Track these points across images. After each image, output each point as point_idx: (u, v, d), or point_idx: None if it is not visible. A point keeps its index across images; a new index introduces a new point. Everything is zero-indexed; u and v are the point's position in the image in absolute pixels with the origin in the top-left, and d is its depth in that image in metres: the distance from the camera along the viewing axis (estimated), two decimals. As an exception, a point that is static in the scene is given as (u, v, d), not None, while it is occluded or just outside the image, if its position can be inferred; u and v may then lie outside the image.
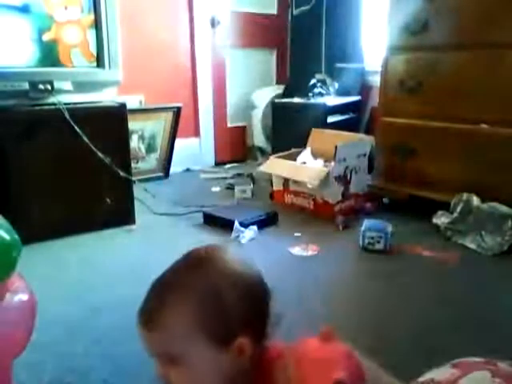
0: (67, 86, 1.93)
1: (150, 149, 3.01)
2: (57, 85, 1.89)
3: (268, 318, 0.65)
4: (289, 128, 2.94)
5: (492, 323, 1.33)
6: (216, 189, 2.77)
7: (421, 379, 0.68)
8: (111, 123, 2.01)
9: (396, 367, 1.11)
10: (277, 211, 2.20)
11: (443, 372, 0.66)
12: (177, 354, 0.61)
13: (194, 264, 0.66)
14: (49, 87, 1.87)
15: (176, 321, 0.61)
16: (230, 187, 2.70)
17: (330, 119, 2.87)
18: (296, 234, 2.01)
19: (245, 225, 1.98)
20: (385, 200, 2.39)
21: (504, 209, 1.82)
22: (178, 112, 2.97)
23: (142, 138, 2.95)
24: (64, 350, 1.21)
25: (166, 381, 0.63)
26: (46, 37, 1.84)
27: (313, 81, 3.13)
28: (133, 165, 2.26)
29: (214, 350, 0.61)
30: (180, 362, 0.61)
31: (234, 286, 0.62)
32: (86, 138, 1.90)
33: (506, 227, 1.80)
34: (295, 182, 2.33)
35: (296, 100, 3.09)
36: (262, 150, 3.50)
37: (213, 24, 3.26)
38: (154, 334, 0.62)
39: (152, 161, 3.04)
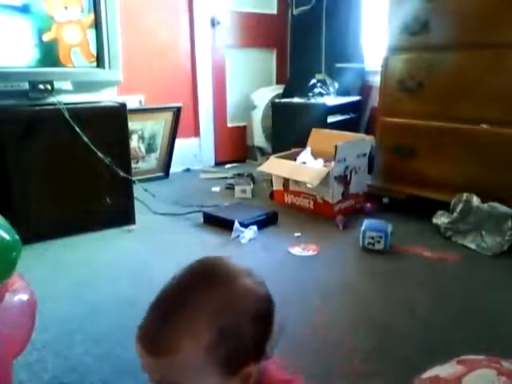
0: (67, 86, 1.93)
1: (150, 149, 3.01)
2: (57, 85, 1.89)
3: (272, 335, 0.60)
4: (289, 128, 2.94)
5: (492, 323, 1.33)
6: (216, 189, 2.77)
7: (425, 375, 0.68)
8: (111, 123, 2.01)
9: (396, 367, 1.12)
10: (277, 211, 2.20)
11: (448, 368, 0.66)
12: (192, 377, 0.55)
13: (204, 280, 0.59)
14: (49, 87, 1.87)
15: (188, 347, 0.53)
16: (230, 187, 2.70)
17: (330, 119, 2.87)
18: (296, 234, 2.01)
19: (245, 225, 1.98)
20: (385, 200, 2.39)
21: (504, 209, 1.82)
22: (177, 112, 2.97)
23: (142, 137, 2.96)
24: (64, 349, 1.21)
25: None
26: (46, 37, 1.84)
27: (313, 81, 3.13)
28: (133, 165, 2.27)
29: (221, 379, 0.55)
30: None
31: (249, 307, 0.57)
32: (85, 138, 1.90)
33: (505, 227, 1.80)
34: (295, 181, 2.33)
35: (296, 100, 3.09)
36: (261, 150, 3.50)
37: (213, 24, 3.26)
38: (161, 360, 0.55)
39: (152, 161, 3.04)
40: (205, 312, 0.55)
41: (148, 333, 0.57)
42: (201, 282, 0.59)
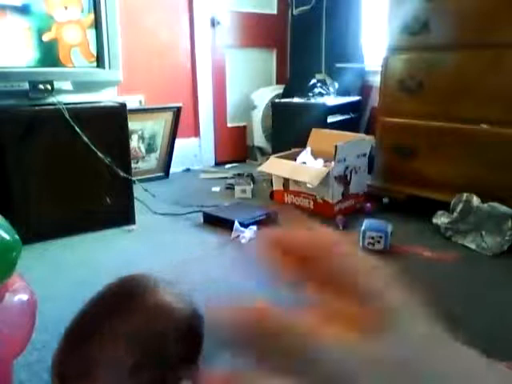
0: (67, 86, 1.93)
1: (150, 149, 3.01)
2: (57, 85, 1.89)
3: (201, 347, 0.57)
4: (289, 128, 2.95)
5: (492, 323, 1.33)
6: (216, 189, 2.77)
7: None
8: (111, 123, 2.01)
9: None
10: (277, 211, 2.20)
11: None
12: None
13: (120, 305, 0.56)
14: (49, 87, 1.87)
15: (105, 374, 0.51)
16: (230, 187, 2.70)
17: (330, 119, 2.87)
18: (296, 234, 2.01)
19: (245, 225, 1.98)
20: (385, 200, 2.39)
21: (504, 209, 1.82)
22: (177, 112, 2.97)
23: (142, 137, 2.96)
24: (64, 349, 1.20)
25: None
26: (46, 37, 1.84)
27: (313, 81, 3.13)
28: (133, 165, 2.27)
29: None
30: None
31: (170, 326, 0.55)
32: (86, 138, 1.90)
33: (505, 227, 1.80)
34: (295, 181, 2.33)
35: (296, 100, 3.09)
36: (261, 150, 3.50)
37: (213, 24, 3.26)
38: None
39: (152, 161, 3.04)
40: (122, 338, 0.52)
41: (60, 368, 0.53)
42: (116, 307, 0.56)
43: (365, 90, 3.20)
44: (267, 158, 2.56)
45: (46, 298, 1.48)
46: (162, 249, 1.89)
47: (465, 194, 1.93)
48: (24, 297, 0.89)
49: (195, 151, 3.36)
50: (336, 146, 2.15)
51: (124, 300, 0.56)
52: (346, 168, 2.24)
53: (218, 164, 3.46)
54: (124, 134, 2.07)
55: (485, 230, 1.84)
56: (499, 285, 1.57)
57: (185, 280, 1.61)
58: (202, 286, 1.56)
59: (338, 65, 3.24)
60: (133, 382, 0.51)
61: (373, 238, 1.82)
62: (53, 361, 0.54)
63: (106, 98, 2.06)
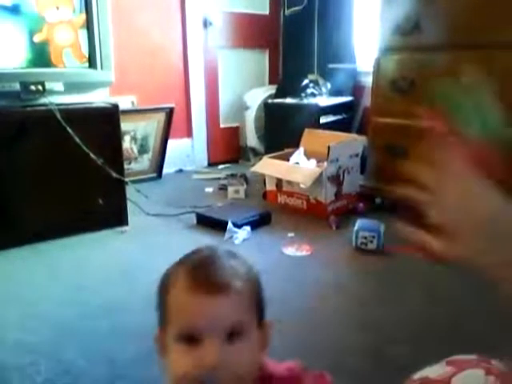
0: (59, 86, 1.92)
1: (143, 150, 3.00)
2: (48, 86, 1.88)
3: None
4: (282, 128, 2.95)
5: (487, 322, 1.34)
6: (209, 189, 2.77)
7: (415, 376, 0.68)
8: (103, 124, 2.00)
9: (391, 366, 1.12)
10: (270, 211, 2.20)
11: (437, 369, 0.66)
12: (245, 322, 0.56)
13: (222, 252, 0.63)
14: (40, 88, 1.85)
15: (247, 288, 0.58)
16: (223, 188, 2.70)
17: (323, 119, 2.88)
18: (289, 235, 2.01)
19: (238, 225, 1.98)
20: (377, 200, 2.40)
21: (495, 208, 1.83)
22: (170, 113, 2.96)
23: (134, 138, 2.95)
24: (57, 352, 1.20)
25: (215, 365, 0.52)
26: (37, 37, 1.83)
27: (305, 81, 3.13)
28: (125, 166, 2.26)
29: (256, 329, 0.59)
30: (243, 334, 0.55)
31: (256, 273, 0.64)
32: (78, 139, 1.89)
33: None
34: (288, 182, 2.33)
35: (289, 100, 3.10)
36: (254, 151, 3.50)
37: (205, 24, 3.26)
38: (228, 300, 0.55)
39: (145, 162, 3.03)
40: (241, 266, 0.60)
41: (213, 277, 0.56)
42: (220, 252, 0.62)
43: (357, 90, 3.21)
44: (260, 159, 2.56)
45: (39, 299, 1.48)
46: (155, 250, 1.88)
47: (456, 194, 1.94)
48: None
49: (188, 152, 3.35)
50: (329, 147, 2.16)
51: (205, 261, 0.60)
52: (339, 168, 2.25)
53: (210, 165, 3.45)
54: (116, 135, 2.07)
55: (476, 230, 1.85)
56: (492, 284, 1.58)
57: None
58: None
59: (331, 65, 3.24)
60: (251, 301, 0.59)
61: (366, 237, 1.83)
62: (200, 278, 0.57)
63: (98, 98, 2.05)
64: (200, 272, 0.57)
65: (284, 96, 3.20)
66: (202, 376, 0.52)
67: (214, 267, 0.57)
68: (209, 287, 0.55)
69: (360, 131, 3.02)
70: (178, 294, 0.56)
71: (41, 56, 1.86)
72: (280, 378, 0.61)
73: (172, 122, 2.99)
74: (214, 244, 0.71)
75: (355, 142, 2.41)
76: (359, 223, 1.88)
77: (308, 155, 2.43)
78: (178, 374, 0.54)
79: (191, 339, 0.54)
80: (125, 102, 2.83)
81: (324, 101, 3.01)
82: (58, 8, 1.85)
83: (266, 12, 3.58)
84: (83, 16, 1.91)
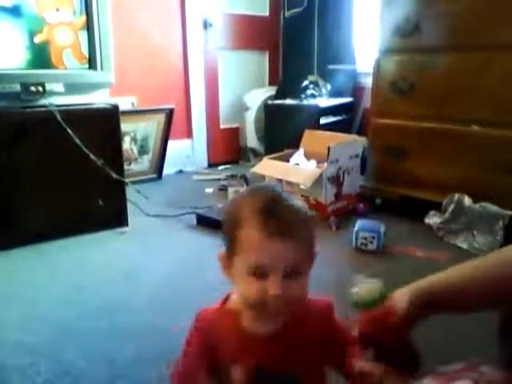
0: (59, 87, 1.93)
1: (143, 150, 3.00)
2: (49, 87, 1.89)
3: None
4: (282, 129, 2.95)
5: (484, 323, 1.34)
6: (209, 190, 2.77)
7: None
8: (103, 125, 2.00)
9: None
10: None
11: None
12: (303, 264, 0.67)
13: (284, 195, 0.69)
14: (40, 89, 1.86)
15: (308, 234, 0.68)
16: (223, 188, 2.70)
17: (323, 120, 2.88)
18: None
19: (238, 226, 1.98)
20: (377, 200, 2.40)
21: (495, 209, 1.84)
22: (170, 113, 2.97)
23: (134, 139, 2.95)
24: (57, 352, 1.20)
25: (276, 295, 0.63)
26: (37, 39, 1.83)
27: (305, 82, 3.14)
28: (125, 166, 2.26)
29: (310, 266, 0.71)
30: (300, 272, 0.66)
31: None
32: (78, 140, 1.89)
33: (497, 227, 1.82)
34: (288, 183, 2.33)
35: (289, 101, 3.10)
36: (254, 152, 3.50)
37: (205, 26, 3.26)
38: (293, 245, 0.64)
39: (145, 162, 3.03)
40: (302, 211, 0.68)
41: (279, 221, 0.64)
42: (283, 195, 0.69)
43: (357, 91, 3.22)
44: (260, 160, 2.56)
45: (39, 300, 1.48)
46: (155, 251, 1.88)
47: (456, 195, 1.94)
48: None
49: (188, 153, 3.36)
50: (329, 148, 2.16)
51: (273, 203, 0.66)
52: (339, 169, 2.25)
53: (210, 165, 3.45)
54: (116, 136, 2.07)
55: (476, 230, 1.86)
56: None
57: (182, 282, 1.61)
58: (201, 289, 1.56)
59: (331, 66, 3.25)
60: (310, 245, 0.70)
61: (366, 238, 1.83)
62: (269, 221, 0.64)
63: (98, 99, 2.05)
64: (271, 216, 0.64)
65: (284, 97, 3.20)
66: (266, 301, 0.64)
67: (282, 212, 0.65)
68: (279, 233, 0.63)
69: (360, 132, 3.03)
70: (250, 234, 0.64)
71: (41, 57, 1.86)
72: (316, 308, 0.76)
73: (172, 123, 2.99)
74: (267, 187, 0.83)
75: (355, 142, 2.41)
76: (359, 224, 1.88)
77: (308, 156, 2.43)
78: (248, 298, 0.65)
79: (259, 273, 0.64)
80: (125, 103, 2.83)
81: (324, 102, 3.01)
82: (58, 9, 1.86)
83: (266, 13, 3.59)
84: (83, 17, 1.91)
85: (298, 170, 2.32)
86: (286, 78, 3.57)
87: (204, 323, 0.73)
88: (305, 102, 3.02)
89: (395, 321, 0.74)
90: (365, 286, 0.81)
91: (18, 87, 1.83)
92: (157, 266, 1.72)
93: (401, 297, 0.77)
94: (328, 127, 2.77)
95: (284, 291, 0.63)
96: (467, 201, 1.91)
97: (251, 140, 3.50)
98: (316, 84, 3.16)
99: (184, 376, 0.73)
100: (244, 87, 3.53)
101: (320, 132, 2.61)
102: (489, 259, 0.78)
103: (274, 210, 0.64)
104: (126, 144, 2.86)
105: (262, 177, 2.54)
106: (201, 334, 0.72)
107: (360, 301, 0.80)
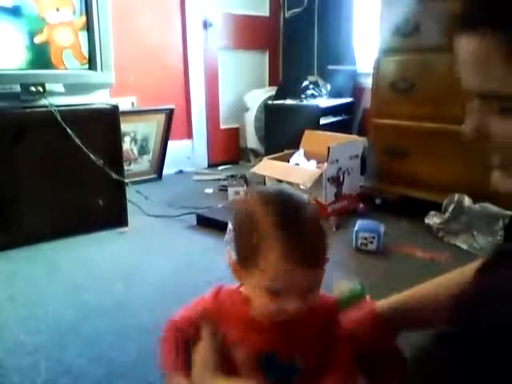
0: (59, 88, 1.93)
1: (143, 151, 3.01)
2: (49, 87, 1.89)
3: None
4: (281, 129, 2.95)
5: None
6: (209, 190, 2.77)
7: None
8: (103, 125, 2.00)
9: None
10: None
11: None
12: (319, 284, 0.71)
13: (300, 203, 0.69)
14: (41, 89, 1.86)
15: (325, 250, 0.69)
16: (223, 189, 2.70)
17: (323, 121, 2.88)
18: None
19: (238, 226, 1.98)
20: (377, 201, 2.40)
21: (495, 209, 1.84)
22: (170, 114, 2.97)
23: (134, 139, 2.95)
24: (57, 352, 1.20)
25: (293, 313, 0.67)
26: (37, 39, 1.83)
27: (305, 83, 3.14)
28: (125, 167, 2.26)
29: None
30: (315, 290, 0.70)
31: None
32: (78, 141, 1.89)
33: (497, 227, 1.82)
34: (288, 183, 2.33)
35: (289, 102, 3.10)
36: (254, 152, 3.50)
37: (205, 26, 3.27)
38: (314, 273, 0.67)
39: (145, 163, 3.03)
40: (321, 224, 0.69)
41: (308, 252, 0.65)
42: (296, 201, 0.69)
43: (357, 91, 3.22)
44: (260, 160, 2.56)
45: (39, 300, 1.48)
46: (155, 251, 1.88)
47: (456, 195, 1.94)
48: None
49: (188, 153, 3.36)
50: (329, 148, 2.16)
51: (297, 224, 0.67)
52: (339, 169, 2.25)
53: (210, 166, 3.46)
54: (116, 136, 2.07)
55: (476, 230, 1.86)
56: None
57: (182, 282, 1.61)
58: (201, 289, 1.55)
59: (331, 67, 3.25)
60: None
61: (366, 238, 1.83)
62: (293, 254, 0.64)
63: (98, 99, 2.05)
64: (294, 241, 0.64)
65: (284, 97, 3.20)
66: (279, 312, 0.67)
67: (304, 234, 0.65)
68: (300, 262, 0.64)
69: (360, 132, 3.03)
70: (272, 258, 0.63)
71: (41, 57, 1.86)
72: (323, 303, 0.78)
73: (172, 123, 3.00)
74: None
75: (355, 143, 2.41)
76: (359, 224, 1.88)
77: (308, 156, 2.43)
78: (264, 311, 0.68)
79: (275, 292, 0.65)
80: (125, 103, 2.84)
81: (324, 102, 3.01)
82: (58, 10, 1.86)
83: (267, 14, 3.59)
84: (83, 18, 1.91)
85: (298, 170, 2.32)
86: (286, 78, 3.57)
87: (220, 299, 0.75)
88: (305, 103, 3.02)
89: (375, 320, 0.80)
90: (344, 285, 0.88)
91: (18, 87, 1.83)
92: (157, 266, 1.72)
93: (377, 304, 0.82)
94: (328, 127, 2.77)
95: (300, 307, 0.66)
96: (467, 201, 1.91)
97: (251, 140, 3.50)
98: (316, 84, 3.16)
99: (174, 329, 0.78)
100: (244, 87, 3.54)
101: (320, 132, 2.61)
102: (451, 275, 0.81)
103: (295, 230, 0.64)
104: (126, 144, 2.86)
105: (262, 177, 2.54)
106: (213, 306, 0.75)
107: (339, 297, 0.86)
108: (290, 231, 0.63)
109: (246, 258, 0.67)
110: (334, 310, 0.80)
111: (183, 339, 0.77)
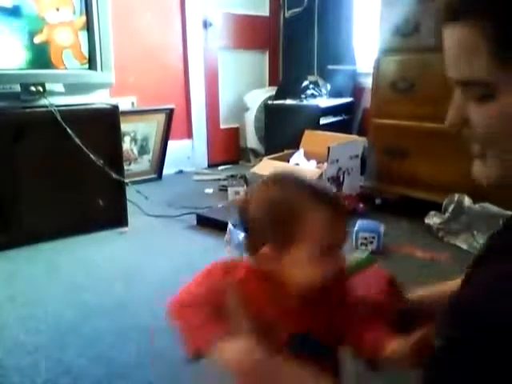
0: (59, 88, 1.93)
1: (143, 151, 3.00)
2: (49, 87, 1.89)
3: None
4: (282, 129, 2.95)
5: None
6: (209, 190, 2.77)
7: None
8: (103, 125, 2.00)
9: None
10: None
11: None
12: None
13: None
14: (41, 89, 1.86)
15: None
16: (223, 189, 2.70)
17: (323, 121, 2.88)
18: (289, 235, 2.01)
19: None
20: (377, 201, 2.40)
21: (495, 209, 1.84)
22: (170, 114, 2.97)
23: (134, 139, 2.95)
24: (57, 352, 1.20)
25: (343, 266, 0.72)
26: (37, 39, 1.83)
27: (305, 82, 3.14)
28: (125, 167, 2.26)
29: None
30: None
31: None
32: (78, 140, 1.89)
33: (497, 227, 1.81)
34: (288, 183, 2.33)
35: (289, 102, 3.10)
36: (254, 152, 3.50)
37: (205, 26, 3.27)
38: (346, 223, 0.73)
39: (145, 163, 3.03)
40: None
41: (343, 209, 0.73)
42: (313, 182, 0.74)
43: (357, 91, 3.22)
44: (260, 160, 2.56)
45: (39, 300, 1.48)
46: (155, 251, 1.88)
47: (456, 195, 1.94)
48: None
49: (188, 153, 3.36)
50: (329, 148, 2.16)
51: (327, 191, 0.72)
52: (339, 169, 2.25)
53: (210, 166, 3.45)
54: (116, 136, 2.07)
55: (476, 230, 1.86)
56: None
57: (182, 282, 1.61)
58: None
59: (331, 66, 3.25)
60: None
61: (366, 238, 1.83)
62: (333, 211, 0.68)
63: (98, 99, 2.05)
64: (331, 202, 0.69)
65: (284, 97, 3.20)
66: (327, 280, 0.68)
67: (334, 196, 0.72)
68: (342, 215, 0.70)
69: (360, 132, 3.03)
70: (322, 218, 0.67)
71: (41, 57, 1.86)
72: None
73: (172, 123, 3.00)
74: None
75: (355, 143, 2.41)
76: (359, 224, 1.88)
77: (308, 156, 2.43)
78: (313, 279, 0.68)
79: (330, 251, 0.68)
80: (125, 103, 2.84)
81: (324, 102, 3.01)
82: (58, 9, 1.86)
83: (267, 13, 3.59)
84: (83, 18, 1.91)
85: (298, 170, 2.32)
86: (286, 78, 3.57)
87: (236, 276, 0.76)
88: (305, 103, 3.02)
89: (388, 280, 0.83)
90: (355, 255, 0.91)
91: (18, 87, 1.83)
92: (157, 266, 1.72)
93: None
94: (328, 127, 2.78)
95: (343, 260, 0.72)
96: (467, 201, 1.91)
97: (251, 140, 3.50)
98: (316, 84, 3.16)
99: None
100: (244, 87, 3.54)
101: (320, 132, 2.61)
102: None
103: (329, 196, 0.70)
104: (126, 144, 2.86)
105: (262, 177, 2.54)
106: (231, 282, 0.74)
107: (348, 263, 0.87)
108: (326, 197, 0.69)
109: (286, 237, 0.67)
110: (345, 277, 0.80)
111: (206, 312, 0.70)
